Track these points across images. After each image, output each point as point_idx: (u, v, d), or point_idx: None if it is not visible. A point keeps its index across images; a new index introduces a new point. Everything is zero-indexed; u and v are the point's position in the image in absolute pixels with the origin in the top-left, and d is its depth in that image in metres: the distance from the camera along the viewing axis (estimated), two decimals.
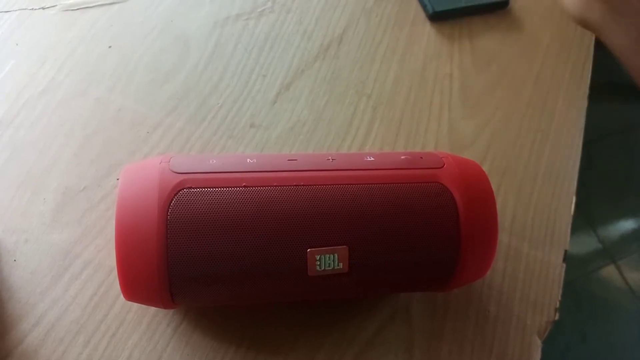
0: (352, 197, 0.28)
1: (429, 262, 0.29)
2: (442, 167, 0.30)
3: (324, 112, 0.43)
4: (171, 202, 0.26)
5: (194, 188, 0.27)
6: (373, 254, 0.28)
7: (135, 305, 0.33)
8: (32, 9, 0.45)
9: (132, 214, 0.26)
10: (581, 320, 1.15)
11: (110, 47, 0.43)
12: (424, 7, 0.49)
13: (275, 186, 0.28)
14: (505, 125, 0.44)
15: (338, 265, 0.28)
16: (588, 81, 0.48)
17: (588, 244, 1.26)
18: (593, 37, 0.50)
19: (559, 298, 0.37)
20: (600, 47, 0.50)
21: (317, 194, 0.28)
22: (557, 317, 0.37)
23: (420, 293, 0.31)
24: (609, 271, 1.23)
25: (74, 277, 0.34)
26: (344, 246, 0.27)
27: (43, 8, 0.45)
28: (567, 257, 0.39)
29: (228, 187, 0.27)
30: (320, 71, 0.45)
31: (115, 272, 0.34)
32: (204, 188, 0.27)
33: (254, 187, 0.27)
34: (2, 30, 0.43)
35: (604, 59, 0.48)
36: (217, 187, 0.27)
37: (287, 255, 0.27)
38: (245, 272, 0.27)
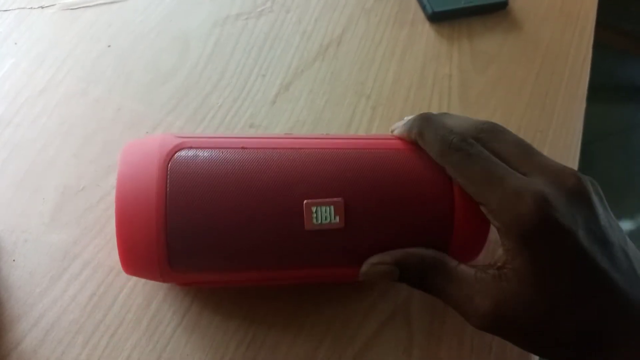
0: (348, 158, 0.29)
1: (424, 219, 0.30)
2: None
3: (324, 112, 0.43)
4: (170, 159, 0.28)
5: (194, 148, 0.28)
6: (368, 209, 0.29)
7: (135, 305, 0.33)
8: (31, 7, 0.45)
9: (132, 171, 0.27)
10: None
11: (109, 46, 0.43)
12: (424, 7, 0.49)
13: (273, 149, 0.29)
14: (504, 125, 0.44)
15: (335, 218, 0.28)
16: (587, 82, 0.48)
17: None
18: (592, 37, 0.50)
19: None
20: (600, 47, 0.50)
21: (314, 154, 0.29)
22: None
23: (420, 294, 0.31)
24: None
25: (73, 277, 0.34)
26: (340, 198, 0.28)
27: (42, 7, 0.45)
28: None
29: (227, 148, 0.29)
30: (319, 71, 0.45)
31: (114, 272, 0.34)
32: (203, 149, 0.28)
33: (253, 149, 0.29)
34: (0, 29, 0.43)
35: (603, 59, 0.48)
36: (217, 148, 0.29)
37: (284, 208, 0.28)
38: (242, 226, 0.28)
